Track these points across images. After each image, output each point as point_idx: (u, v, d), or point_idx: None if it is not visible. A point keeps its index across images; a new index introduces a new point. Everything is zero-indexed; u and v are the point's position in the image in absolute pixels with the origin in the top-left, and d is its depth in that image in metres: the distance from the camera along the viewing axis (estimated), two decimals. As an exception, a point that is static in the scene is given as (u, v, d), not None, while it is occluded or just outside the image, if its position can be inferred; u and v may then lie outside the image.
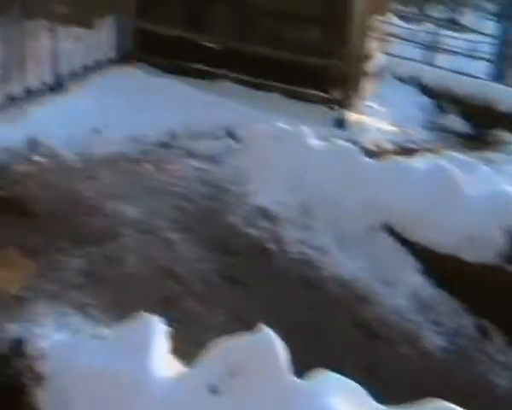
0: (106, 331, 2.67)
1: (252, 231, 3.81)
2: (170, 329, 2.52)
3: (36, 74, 5.07)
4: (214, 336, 2.85)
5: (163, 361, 2.40)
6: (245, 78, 5.96)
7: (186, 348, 2.67)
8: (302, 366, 2.32)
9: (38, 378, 2.46)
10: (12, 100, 4.80)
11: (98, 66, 5.82)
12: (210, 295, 3.21)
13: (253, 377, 2.22)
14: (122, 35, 6.13)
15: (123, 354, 2.37)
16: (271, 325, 2.32)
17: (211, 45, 6.20)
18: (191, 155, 4.67)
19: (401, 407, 2.17)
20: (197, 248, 3.55)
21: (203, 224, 3.81)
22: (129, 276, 3.24)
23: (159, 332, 2.44)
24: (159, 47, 6.14)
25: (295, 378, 2.27)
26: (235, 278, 3.38)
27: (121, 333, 2.46)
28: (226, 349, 2.29)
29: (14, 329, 2.70)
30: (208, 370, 2.26)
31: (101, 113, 4.92)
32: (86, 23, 5.79)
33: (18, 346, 2.60)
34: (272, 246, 3.70)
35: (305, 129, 4.42)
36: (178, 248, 3.52)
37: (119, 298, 3.06)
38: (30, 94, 4.99)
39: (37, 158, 4.29)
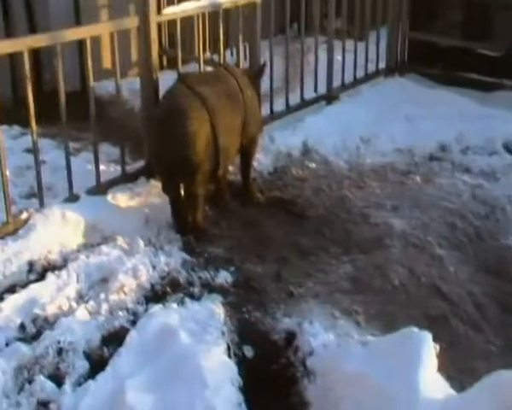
0: (372, 339, 2.69)
1: (535, 258, 3.46)
2: (438, 348, 2.44)
3: (311, 86, 5.37)
4: (484, 365, 2.68)
5: (432, 381, 2.32)
6: (527, 87, 5.48)
7: (452, 370, 2.56)
8: None
9: (308, 373, 2.60)
10: (291, 110, 5.16)
11: (369, 77, 5.92)
12: (481, 320, 3.01)
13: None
14: (393, 46, 6.15)
15: (391, 365, 2.36)
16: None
17: (488, 53, 5.83)
18: (464, 169, 4.44)
19: None
20: (468, 268, 3.36)
21: (475, 243, 3.59)
22: (395, 288, 3.22)
23: (429, 350, 2.37)
24: (430, 57, 6.00)
25: None
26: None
27: (390, 344, 2.45)
28: (504, 384, 2.11)
29: (288, 323, 2.89)
30: (482, 401, 2.12)
31: (371, 123, 4.98)
32: (359, 36, 5.92)
33: (291, 339, 2.77)
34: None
35: None
36: (447, 266, 3.37)
37: (384, 308, 3.06)
38: (306, 104, 5.31)
39: (310, 164, 4.54)
